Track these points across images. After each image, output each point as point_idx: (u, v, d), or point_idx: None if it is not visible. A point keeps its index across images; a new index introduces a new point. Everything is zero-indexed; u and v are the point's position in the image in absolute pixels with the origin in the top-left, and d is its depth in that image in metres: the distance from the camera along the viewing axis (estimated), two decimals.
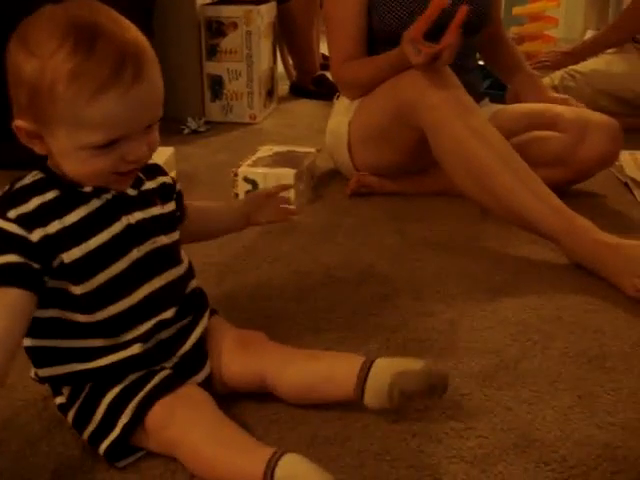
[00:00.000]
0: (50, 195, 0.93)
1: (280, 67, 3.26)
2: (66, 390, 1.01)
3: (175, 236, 1.07)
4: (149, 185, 1.05)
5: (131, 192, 1.00)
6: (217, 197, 1.85)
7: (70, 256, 0.93)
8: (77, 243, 0.93)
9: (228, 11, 2.70)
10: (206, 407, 0.97)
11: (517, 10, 3.52)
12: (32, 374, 1.03)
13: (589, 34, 3.72)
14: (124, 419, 0.95)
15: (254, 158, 1.96)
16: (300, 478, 0.86)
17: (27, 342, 0.99)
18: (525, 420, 1.05)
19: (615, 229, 1.52)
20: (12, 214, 0.90)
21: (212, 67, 2.75)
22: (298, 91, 3.30)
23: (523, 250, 1.62)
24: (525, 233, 1.64)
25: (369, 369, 1.01)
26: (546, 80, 2.54)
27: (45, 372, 1.00)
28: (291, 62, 3.38)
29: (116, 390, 0.97)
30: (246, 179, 1.86)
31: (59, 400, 1.02)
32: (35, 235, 0.90)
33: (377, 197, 1.96)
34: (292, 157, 1.96)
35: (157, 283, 1.01)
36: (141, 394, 0.96)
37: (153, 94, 0.91)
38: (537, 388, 1.12)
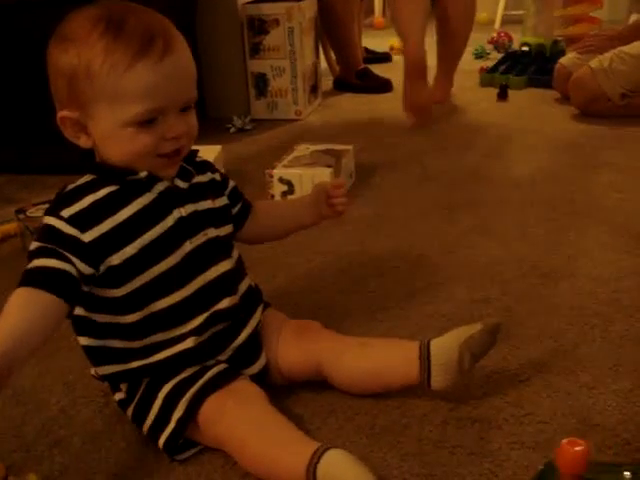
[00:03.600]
0: (103, 192, 0.95)
1: (323, 62, 3.26)
2: (124, 386, 1.02)
3: (227, 229, 1.08)
4: (200, 179, 1.06)
5: (182, 184, 1.02)
6: (265, 194, 1.85)
7: (124, 253, 0.94)
8: (131, 240, 0.95)
9: (269, 8, 2.71)
10: (256, 402, 0.97)
11: None
12: (92, 371, 1.05)
13: (634, 17, 3.65)
14: (178, 413, 0.96)
15: (290, 158, 1.95)
16: (340, 475, 0.85)
17: (84, 341, 1.01)
18: (586, 405, 1.03)
19: None
20: (65, 213, 0.92)
21: (256, 65, 2.76)
22: (342, 85, 3.29)
23: (574, 234, 1.59)
24: (578, 218, 1.62)
25: (429, 348, 1.02)
26: (595, 62, 2.49)
27: (104, 370, 1.02)
28: (334, 57, 3.38)
29: (171, 384, 0.99)
30: (281, 180, 1.85)
31: (118, 396, 1.04)
32: (88, 235, 0.92)
33: (423, 188, 1.95)
34: (329, 155, 1.95)
35: (210, 275, 1.02)
36: (193, 389, 0.97)
37: (185, 68, 0.94)
38: (597, 372, 1.10)
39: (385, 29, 4.96)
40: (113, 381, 1.03)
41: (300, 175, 1.84)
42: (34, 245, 0.92)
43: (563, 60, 2.77)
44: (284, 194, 1.85)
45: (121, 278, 0.95)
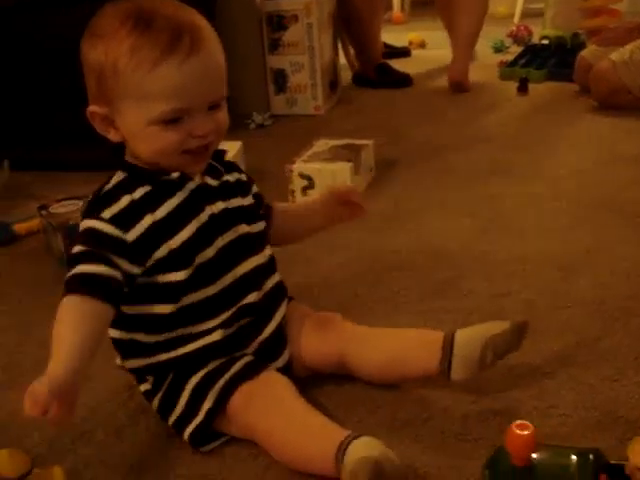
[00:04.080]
0: (138, 193, 0.97)
1: (342, 58, 3.26)
2: (150, 377, 1.03)
3: (259, 226, 1.09)
4: (229, 177, 1.07)
5: (212, 182, 1.03)
6: (286, 189, 1.86)
7: (166, 248, 0.96)
8: (171, 235, 0.96)
9: (288, 4, 2.71)
10: (285, 392, 0.98)
11: None
12: (118, 361, 1.06)
13: None
14: (207, 404, 0.97)
15: (309, 153, 1.95)
16: (370, 461, 0.83)
17: (114, 334, 1.03)
18: (608, 397, 1.03)
19: None
20: (106, 214, 0.94)
21: (275, 61, 2.77)
22: (361, 81, 3.29)
23: (592, 229, 1.59)
24: (598, 212, 1.62)
25: (452, 341, 1.01)
26: (615, 55, 2.47)
27: (131, 364, 1.04)
28: (353, 52, 3.37)
29: (199, 376, 1.00)
30: (301, 175, 1.86)
31: (144, 387, 1.05)
32: (131, 235, 0.94)
33: (443, 182, 1.95)
34: (348, 150, 1.94)
35: (240, 270, 1.03)
36: (223, 379, 0.98)
37: (213, 67, 0.94)
38: (619, 365, 1.10)
39: (404, 24, 4.94)
40: (139, 373, 1.05)
41: (320, 170, 1.84)
42: (78, 249, 0.93)
43: (583, 53, 2.75)
44: (304, 189, 1.85)
45: (167, 269, 0.97)
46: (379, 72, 3.22)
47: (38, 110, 2.29)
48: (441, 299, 1.33)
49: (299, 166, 1.86)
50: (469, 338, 1.01)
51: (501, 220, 1.67)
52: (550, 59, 3.17)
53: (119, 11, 0.93)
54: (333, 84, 2.97)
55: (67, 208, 1.65)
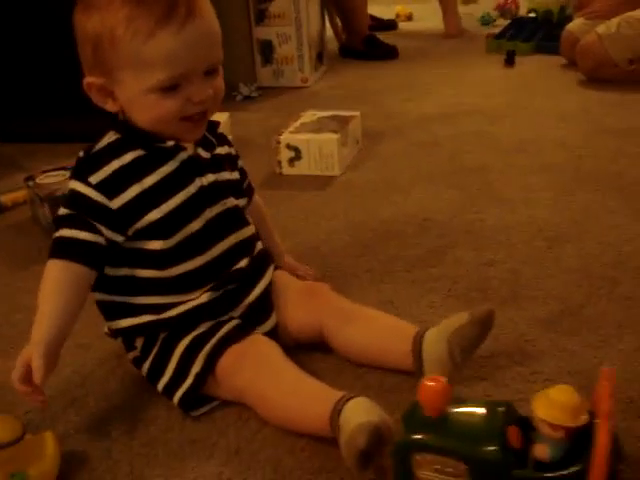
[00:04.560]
0: (129, 157, 0.97)
1: (329, 29, 3.25)
2: (139, 344, 1.04)
3: (243, 202, 1.10)
4: (220, 150, 1.08)
5: (204, 154, 1.04)
6: (273, 161, 1.86)
7: (149, 218, 0.97)
8: (156, 205, 0.97)
9: None
10: (274, 354, 0.99)
11: None
12: (105, 329, 1.07)
13: None
14: (196, 368, 0.98)
15: (297, 124, 1.95)
16: (370, 426, 0.83)
17: (98, 296, 1.04)
18: (591, 363, 1.04)
19: None
20: (93, 179, 0.95)
21: (261, 32, 2.76)
22: (348, 53, 3.28)
23: (581, 198, 1.60)
24: (584, 183, 1.63)
25: (421, 343, 1.00)
26: (602, 28, 2.48)
27: (117, 324, 1.04)
28: (339, 24, 3.36)
29: (187, 340, 1.01)
30: (289, 146, 1.86)
31: (132, 354, 1.06)
32: (116, 202, 0.95)
33: (430, 153, 1.96)
34: (336, 121, 1.95)
35: (229, 242, 1.05)
36: (211, 343, 0.99)
37: (209, 32, 0.95)
38: (603, 332, 1.12)
39: None
40: (127, 337, 1.05)
41: (307, 141, 1.84)
42: (63, 211, 0.96)
43: (570, 26, 2.76)
44: (291, 160, 1.86)
45: (151, 236, 0.98)
46: (366, 44, 3.22)
47: (22, 81, 2.27)
48: (428, 268, 1.34)
49: (286, 137, 1.86)
50: (435, 338, 1.00)
51: (488, 191, 1.68)
52: (537, 32, 3.18)
53: None
54: (320, 56, 2.96)
55: (54, 179, 1.64)
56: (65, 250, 0.94)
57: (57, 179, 1.64)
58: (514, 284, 1.27)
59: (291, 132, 1.89)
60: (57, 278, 0.94)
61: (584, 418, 0.75)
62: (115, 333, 1.06)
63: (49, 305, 0.93)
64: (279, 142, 1.86)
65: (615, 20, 2.48)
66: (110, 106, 0.98)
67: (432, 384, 0.78)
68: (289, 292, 1.12)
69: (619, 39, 2.45)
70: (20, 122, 2.31)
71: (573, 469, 0.73)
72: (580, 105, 2.32)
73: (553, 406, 0.74)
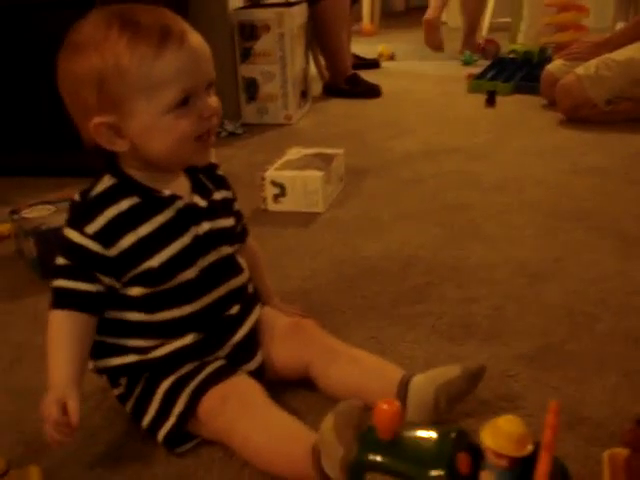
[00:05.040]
0: (125, 204, 0.98)
1: (312, 68, 3.29)
2: (123, 381, 1.04)
3: (237, 246, 1.11)
4: (217, 196, 1.09)
5: (201, 202, 1.04)
6: (258, 197, 1.87)
7: (145, 266, 0.98)
8: (151, 255, 0.98)
9: (261, 14, 2.74)
10: (256, 396, 0.99)
11: (549, 0, 3.51)
12: (91, 365, 1.07)
13: (620, 25, 3.69)
14: (179, 408, 0.98)
15: (282, 161, 1.97)
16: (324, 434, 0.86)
17: None
18: (574, 399, 1.06)
19: None
20: (89, 229, 0.95)
21: (246, 70, 2.79)
22: (331, 91, 3.33)
23: (559, 237, 1.63)
24: (564, 221, 1.66)
25: (407, 388, 1.00)
26: (581, 69, 2.53)
27: (102, 363, 1.04)
28: (323, 63, 3.41)
29: (171, 380, 1.01)
30: (274, 183, 1.88)
31: (117, 391, 1.06)
32: (112, 251, 0.96)
33: (412, 191, 1.98)
34: (320, 159, 1.97)
35: (222, 290, 1.05)
36: (193, 383, 0.99)
37: (203, 50, 0.97)
38: (584, 368, 1.13)
39: (373, 36, 5.00)
40: (112, 375, 1.05)
41: (292, 178, 1.86)
42: (61, 261, 0.97)
43: (550, 67, 2.81)
44: (276, 197, 1.88)
45: (145, 283, 0.99)
46: (349, 82, 3.26)
47: (6, 115, 2.28)
48: (412, 304, 1.36)
49: (271, 174, 1.88)
50: (421, 387, 1.00)
51: (470, 229, 1.70)
52: (517, 73, 3.24)
53: (99, 19, 0.93)
54: (304, 94, 3.00)
55: (39, 212, 1.65)
56: (67, 301, 0.96)
57: (42, 213, 1.64)
58: (497, 320, 1.28)
59: (276, 169, 1.91)
60: (66, 327, 0.95)
61: (529, 448, 0.76)
62: (101, 370, 1.06)
63: (65, 352, 0.95)
64: (264, 179, 1.88)
65: (594, 62, 2.54)
66: (120, 146, 0.96)
67: (386, 407, 0.79)
68: (276, 328, 1.13)
69: (597, 80, 2.50)
70: (4, 156, 2.31)
71: None
72: (559, 144, 2.37)
73: (499, 435, 0.75)
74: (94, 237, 0.95)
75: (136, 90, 0.92)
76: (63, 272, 0.97)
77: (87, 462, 1.00)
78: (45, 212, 1.65)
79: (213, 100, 0.98)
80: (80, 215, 0.97)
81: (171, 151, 0.97)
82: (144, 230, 0.98)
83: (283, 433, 0.94)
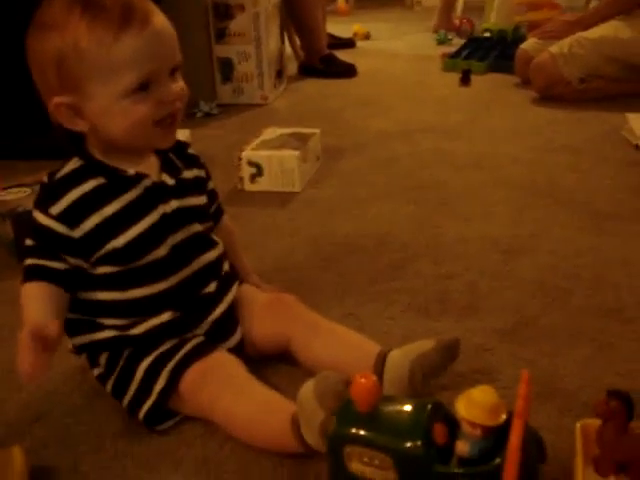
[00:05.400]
0: (90, 185, 0.98)
1: (288, 48, 3.28)
2: (103, 360, 1.05)
3: (208, 224, 1.12)
4: (186, 174, 1.09)
5: (169, 181, 1.05)
6: (234, 177, 1.88)
7: (111, 246, 0.98)
8: (117, 234, 0.98)
9: None
10: (237, 370, 1.00)
11: None
12: (69, 346, 1.08)
13: (593, 4, 3.71)
14: (159, 385, 0.99)
15: (258, 141, 1.97)
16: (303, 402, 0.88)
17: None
18: (547, 371, 1.08)
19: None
20: (53, 210, 0.96)
21: (221, 50, 2.78)
22: (307, 71, 3.32)
23: (535, 212, 1.65)
24: (538, 198, 1.69)
25: (384, 363, 1.02)
26: (555, 47, 2.55)
27: (80, 340, 1.05)
28: (298, 42, 3.40)
29: (150, 358, 1.02)
30: (250, 163, 1.88)
31: (97, 371, 1.06)
32: (77, 232, 0.97)
33: (388, 169, 1.99)
34: (296, 138, 1.98)
35: (195, 266, 1.06)
36: (174, 360, 1.00)
37: (168, 32, 0.96)
38: (557, 341, 1.16)
39: (348, 15, 4.99)
40: (91, 353, 1.06)
41: (269, 157, 1.87)
42: (29, 242, 0.98)
43: (524, 45, 2.83)
44: (253, 177, 1.88)
45: (112, 262, 1.00)
46: (325, 62, 3.26)
47: None
48: (389, 281, 1.37)
49: (248, 154, 1.88)
50: (398, 359, 1.02)
51: (445, 206, 1.72)
52: (492, 51, 3.25)
53: (64, 1, 0.93)
54: (279, 74, 2.99)
55: (15, 195, 1.64)
56: (38, 274, 0.96)
57: (18, 195, 1.63)
58: (472, 296, 1.30)
59: (252, 149, 1.91)
60: (37, 293, 0.95)
61: (502, 418, 0.78)
62: (79, 349, 1.07)
63: (39, 303, 0.94)
64: (240, 159, 1.88)
65: (567, 40, 2.56)
66: (81, 126, 0.97)
67: (363, 381, 0.81)
68: (256, 303, 1.14)
69: (571, 58, 2.52)
70: None
71: (484, 467, 0.77)
72: (533, 122, 2.39)
73: (473, 405, 0.78)
74: (58, 218, 0.96)
75: (94, 73, 0.92)
76: (32, 252, 0.97)
77: (69, 442, 1.00)
78: (21, 194, 1.64)
79: (178, 85, 0.98)
80: (46, 196, 0.98)
81: (129, 134, 0.97)
82: (110, 210, 0.98)
83: (264, 405, 0.96)
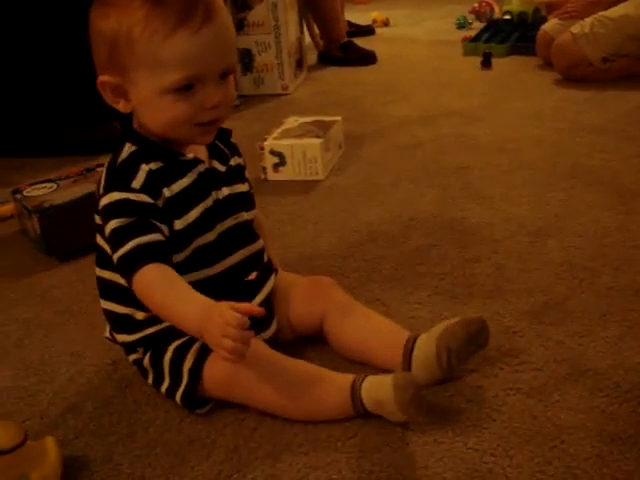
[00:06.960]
0: (153, 165, 0.97)
1: (307, 37, 3.28)
2: (140, 348, 1.06)
3: (254, 212, 1.12)
4: (233, 162, 1.09)
5: (220, 167, 1.05)
6: (257, 168, 1.88)
7: (176, 225, 0.98)
8: (181, 215, 0.98)
9: None
10: (272, 354, 1.00)
11: None
12: (107, 333, 1.08)
13: None
14: (187, 365, 1.00)
15: (280, 130, 1.97)
16: (383, 399, 0.93)
17: (107, 306, 1.06)
18: (577, 352, 1.08)
19: None
20: (135, 184, 0.95)
21: (241, 41, 2.77)
22: (326, 59, 3.32)
23: (560, 194, 1.64)
24: (563, 179, 1.67)
25: (412, 349, 1.02)
26: (576, 28, 2.52)
27: (123, 338, 1.06)
28: (317, 31, 3.39)
29: (178, 342, 1.02)
30: (272, 152, 1.88)
31: (134, 356, 1.07)
32: (160, 201, 0.96)
33: (411, 155, 1.99)
34: (318, 127, 1.97)
35: (240, 255, 1.06)
36: (199, 342, 1.00)
37: (225, 36, 0.94)
38: (587, 322, 1.15)
39: (367, 3, 4.97)
40: (129, 346, 1.07)
41: (291, 146, 1.87)
42: (118, 222, 0.94)
43: (545, 26, 2.80)
44: (275, 166, 1.88)
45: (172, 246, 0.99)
46: (344, 50, 3.25)
47: (6, 97, 2.28)
48: (414, 266, 1.37)
49: (270, 143, 1.89)
50: (425, 342, 1.02)
51: (470, 190, 1.71)
52: (512, 34, 3.22)
53: None
54: (299, 63, 2.99)
55: (41, 191, 1.65)
56: (147, 256, 0.93)
57: (44, 191, 1.65)
58: (499, 279, 1.29)
59: (274, 138, 1.91)
60: (162, 275, 0.93)
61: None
62: (118, 342, 1.08)
63: (181, 287, 0.92)
64: (263, 148, 1.88)
65: (588, 20, 2.53)
66: (122, 106, 0.98)
67: None
68: (294, 287, 1.15)
69: (593, 38, 2.49)
70: (3, 137, 2.31)
71: None
72: (556, 104, 2.37)
73: None
74: (142, 190, 0.95)
75: (140, 63, 0.92)
76: (127, 232, 0.94)
77: (101, 432, 1.01)
78: (47, 190, 1.65)
79: (224, 90, 0.96)
80: (119, 177, 0.97)
81: (164, 129, 0.97)
82: (175, 188, 0.98)
83: (312, 379, 0.97)
